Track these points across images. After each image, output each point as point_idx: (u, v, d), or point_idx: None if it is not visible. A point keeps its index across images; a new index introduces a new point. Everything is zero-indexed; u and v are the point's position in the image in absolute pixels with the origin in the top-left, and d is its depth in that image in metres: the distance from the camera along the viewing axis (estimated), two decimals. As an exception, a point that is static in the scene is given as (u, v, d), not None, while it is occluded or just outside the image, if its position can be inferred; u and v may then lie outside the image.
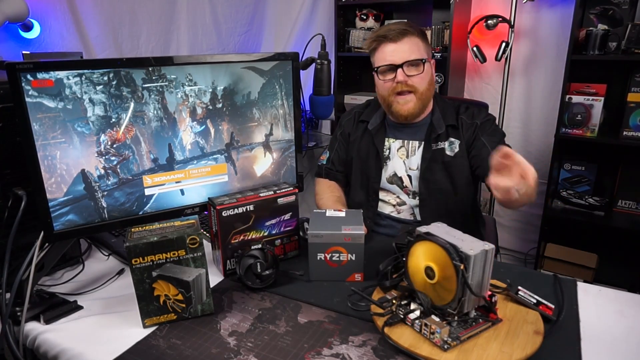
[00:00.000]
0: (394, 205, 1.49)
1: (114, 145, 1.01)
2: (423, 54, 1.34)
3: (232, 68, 1.11)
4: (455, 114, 1.42)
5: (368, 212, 1.48)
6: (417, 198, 1.44)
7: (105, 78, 0.97)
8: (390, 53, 1.33)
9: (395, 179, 1.46)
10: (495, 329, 0.88)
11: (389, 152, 1.47)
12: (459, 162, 1.39)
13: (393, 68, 1.33)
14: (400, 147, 1.46)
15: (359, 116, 1.55)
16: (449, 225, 0.94)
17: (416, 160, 1.43)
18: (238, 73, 1.12)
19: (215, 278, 1.12)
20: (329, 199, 1.49)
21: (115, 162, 1.02)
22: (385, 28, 1.36)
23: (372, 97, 1.57)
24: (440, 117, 1.41)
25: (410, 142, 1.44)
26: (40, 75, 0.89)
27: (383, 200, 1.50)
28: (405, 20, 1.42)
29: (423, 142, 1.42)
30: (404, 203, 1.47)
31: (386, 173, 1.47)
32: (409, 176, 1.44)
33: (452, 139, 1.39)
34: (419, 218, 1.45)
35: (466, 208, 1.46)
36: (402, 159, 1.45)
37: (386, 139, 1.48)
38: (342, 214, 1.16)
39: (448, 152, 1.39)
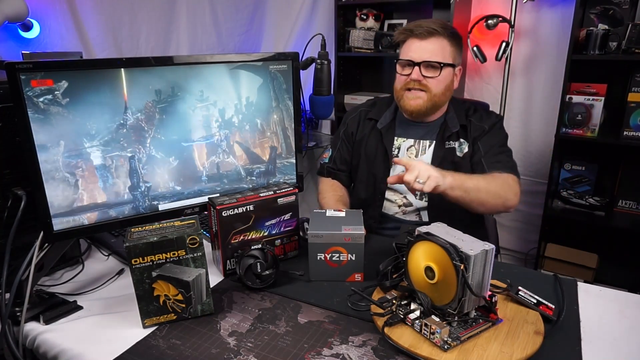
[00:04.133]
0: (399, 206, 1.47)
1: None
2: (447, 57, 1.32)
3: (235, 75, 1.11)
4: (465, 115, 1.41)
5: (373, 211, 1.47)
6: (425, 199, 1.42)
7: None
8: (413, 49, 1.32)
9: None
10: (496, 329, 0.88)
11: (398, 152, 1.45)
12: (466, 164, 1.38)
13: (411, 64, 1.32)
14: (411, 146, 1.44)
15: (366, 114, 1.52)
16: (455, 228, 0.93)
17: (427, 159, 1.41)
18: (239, 77, 1.12)
19: (215, 278, 1.12)
20: (331, 199, 1.48)
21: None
22: (417, 23, 1.34)
23: (372, 97, 1.56)
24: (455, 116, 1.41)
25: (422, 141, 1.43)
26: (39, 75, 0.89)
27: (389, 200, 1.48)
28: (440, 20, 1.37)
29: (435, 141, 1.41)
30: (410, 204, 1.45)
31: (394, 173, 1.44)
32: None
33: (462, 140, 1.39)
34: (425, 219, 1.43)
35: (473, 213, 1.43)
36: (412, 158, 1.43)
37: (395, 138, 1.46)
38: (342, 214, 1.16)
39: (458, 153, 1.38)
